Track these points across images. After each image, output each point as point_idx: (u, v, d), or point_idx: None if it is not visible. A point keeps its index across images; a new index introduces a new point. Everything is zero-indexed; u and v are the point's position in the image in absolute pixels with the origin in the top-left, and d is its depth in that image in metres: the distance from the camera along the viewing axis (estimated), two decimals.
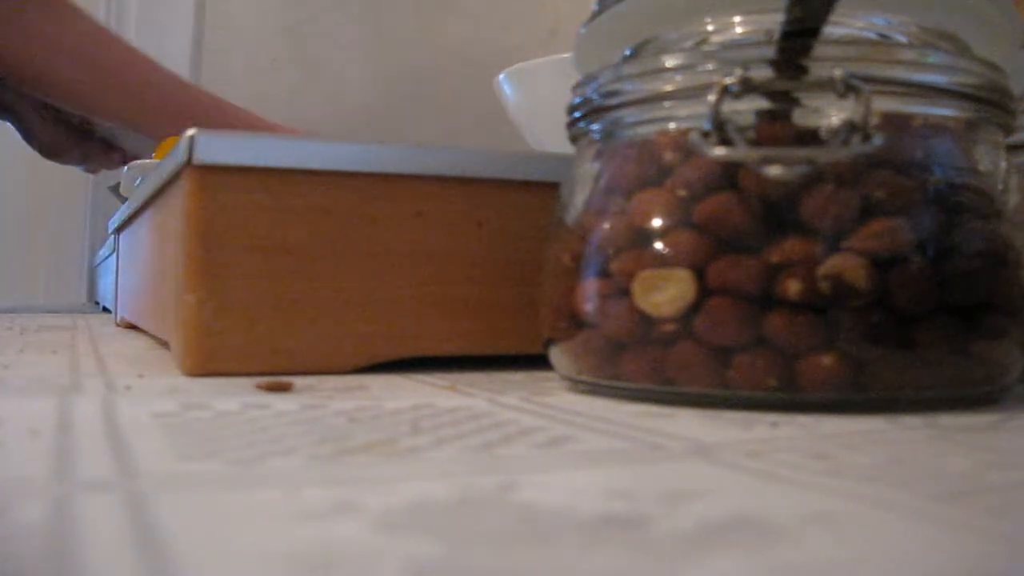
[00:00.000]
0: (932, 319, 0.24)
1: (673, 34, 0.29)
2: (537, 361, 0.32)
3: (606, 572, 0.11)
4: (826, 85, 0.24)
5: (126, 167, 0.76)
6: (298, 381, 0.29)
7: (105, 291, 0.90)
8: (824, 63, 0.24)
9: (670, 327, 0.25)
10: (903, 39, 0.27)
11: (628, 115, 0.28)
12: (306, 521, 0.13)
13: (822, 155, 0.24)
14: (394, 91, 1.19)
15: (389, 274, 0.34)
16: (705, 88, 0.25)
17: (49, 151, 0.83)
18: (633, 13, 0.29)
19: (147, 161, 0.76)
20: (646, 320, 0.25)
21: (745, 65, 0.24)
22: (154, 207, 0.44)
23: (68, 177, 1.20)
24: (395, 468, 0.17)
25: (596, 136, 0.29)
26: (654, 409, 0.25)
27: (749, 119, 0.25)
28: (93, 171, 0.90)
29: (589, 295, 0.27)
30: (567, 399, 0.27)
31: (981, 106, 0.26)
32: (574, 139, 0.30)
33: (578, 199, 0.29)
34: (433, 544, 0.12)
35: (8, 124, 0.81)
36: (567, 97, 0.30)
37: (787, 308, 0.24)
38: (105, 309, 0.92)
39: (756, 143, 0.25)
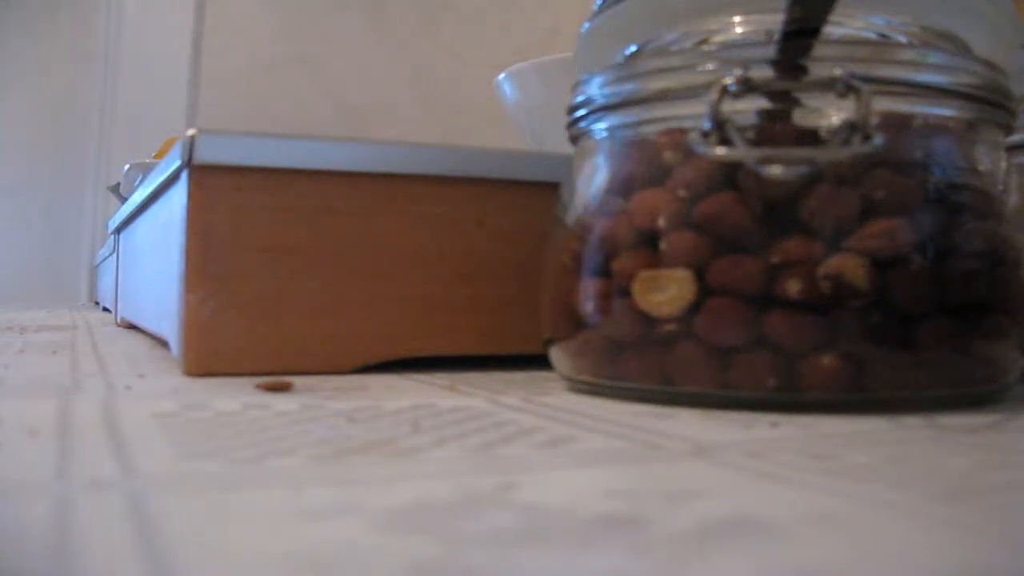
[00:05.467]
0: (932, 319, 0.24)
1: (673, 34, 0.29)
2: (537, 361, 0.32)
3: (606, 572, 0.11)
4: (826, 85, 0.24)
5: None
6: (298, 381, 0.29)
7: (105, 291, 0.90)
8: (824, 63, 0.24)
9: (670, 327, 0.25)
10: (903, 39, 0.27)
11: (628, 115, 0.28)
12: (306, 521, 0.13)
13: (822, 155, 0.24)
14: (394, 91, 1.19)
15: (389, 274, 0.34)
16: (705, 88, 0.25)
17: None
18: (633, 13, 0.29)
19: (147, 161, 0.77)
20: (646, 320, 0.25)
21: (745, 65, 0.24)
22: (154, 207, 0.44)
23: (68, 177, 1.20)
24: (395, 468, 0.17)
25: (596, 136, 0.29)
26: (654, 409, 0.25)
27: (749, 119, 0.25)
28: None
29: (589, 295, 0.27)
30: (567, 399, 0.27)
31: (981, 106, 0.26)
32: (574, 139, 0.30)
33: (578, 199, 0.29)
34: (433, 544, 0.12)
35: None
36: (567, 97, 0.30)
37: (787, 308, 0.24)
38: (105, 309, 0.92)
39: (756, 143, 0.25)
